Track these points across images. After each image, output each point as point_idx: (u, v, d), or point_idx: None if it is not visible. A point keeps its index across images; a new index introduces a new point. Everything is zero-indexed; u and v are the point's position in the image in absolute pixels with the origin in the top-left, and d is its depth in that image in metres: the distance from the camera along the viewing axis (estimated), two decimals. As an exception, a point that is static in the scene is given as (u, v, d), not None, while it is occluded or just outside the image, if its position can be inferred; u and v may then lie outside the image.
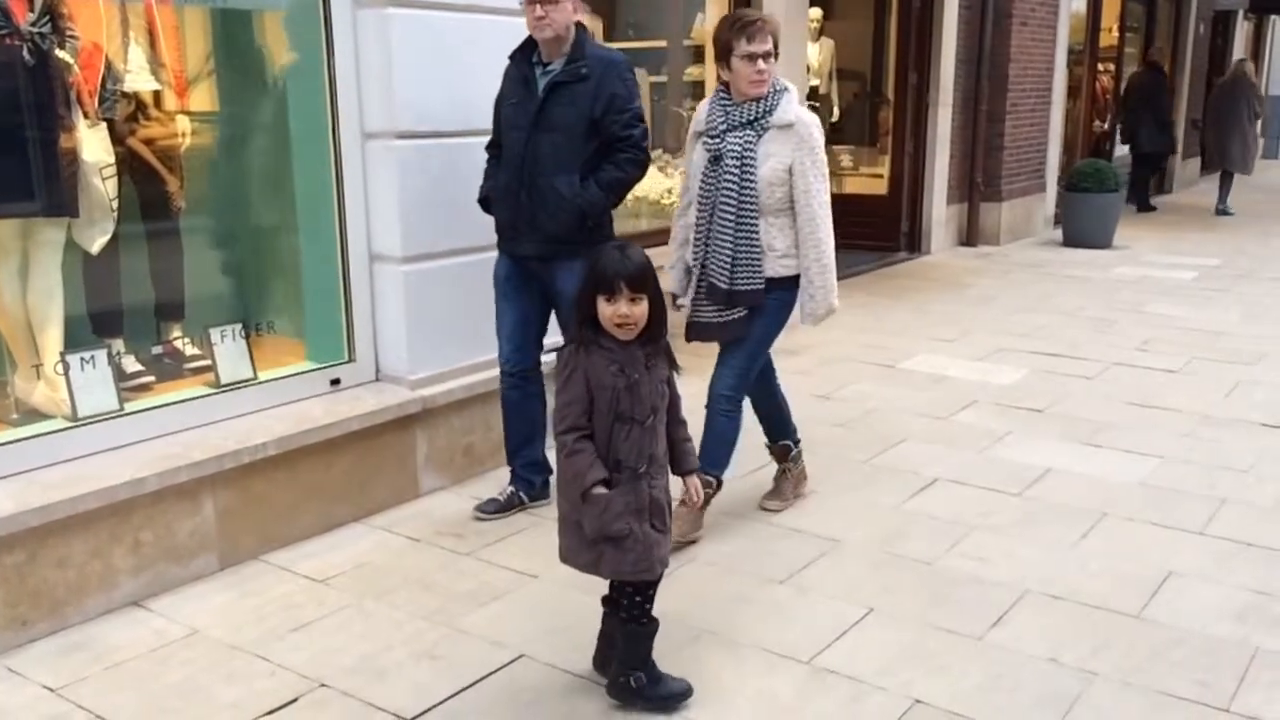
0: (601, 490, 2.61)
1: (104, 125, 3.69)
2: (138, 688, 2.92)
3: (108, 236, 3.72)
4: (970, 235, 10.45)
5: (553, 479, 3.45)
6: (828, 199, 3.71)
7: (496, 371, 4.08)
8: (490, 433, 4.26)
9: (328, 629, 3.23)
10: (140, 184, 4.00)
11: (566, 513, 2.73)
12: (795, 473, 4.16)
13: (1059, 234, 10.85)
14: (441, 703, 2.84)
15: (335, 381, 4.12)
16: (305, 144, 4.10)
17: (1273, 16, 20.65)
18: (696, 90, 7.35)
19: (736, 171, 3.63)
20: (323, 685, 2.93)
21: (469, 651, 3.09)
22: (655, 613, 2.77)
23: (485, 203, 3.94)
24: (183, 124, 4.11)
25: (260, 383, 3.93)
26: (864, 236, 9.72)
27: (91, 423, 3.47)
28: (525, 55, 3.81)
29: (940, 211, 9.98)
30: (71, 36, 3.54)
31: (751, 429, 4.08)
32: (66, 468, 3.33)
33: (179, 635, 3.20)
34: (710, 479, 3.70)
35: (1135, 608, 3.35)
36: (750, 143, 3.64)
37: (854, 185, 10.74)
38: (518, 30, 3.83)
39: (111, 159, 3.70)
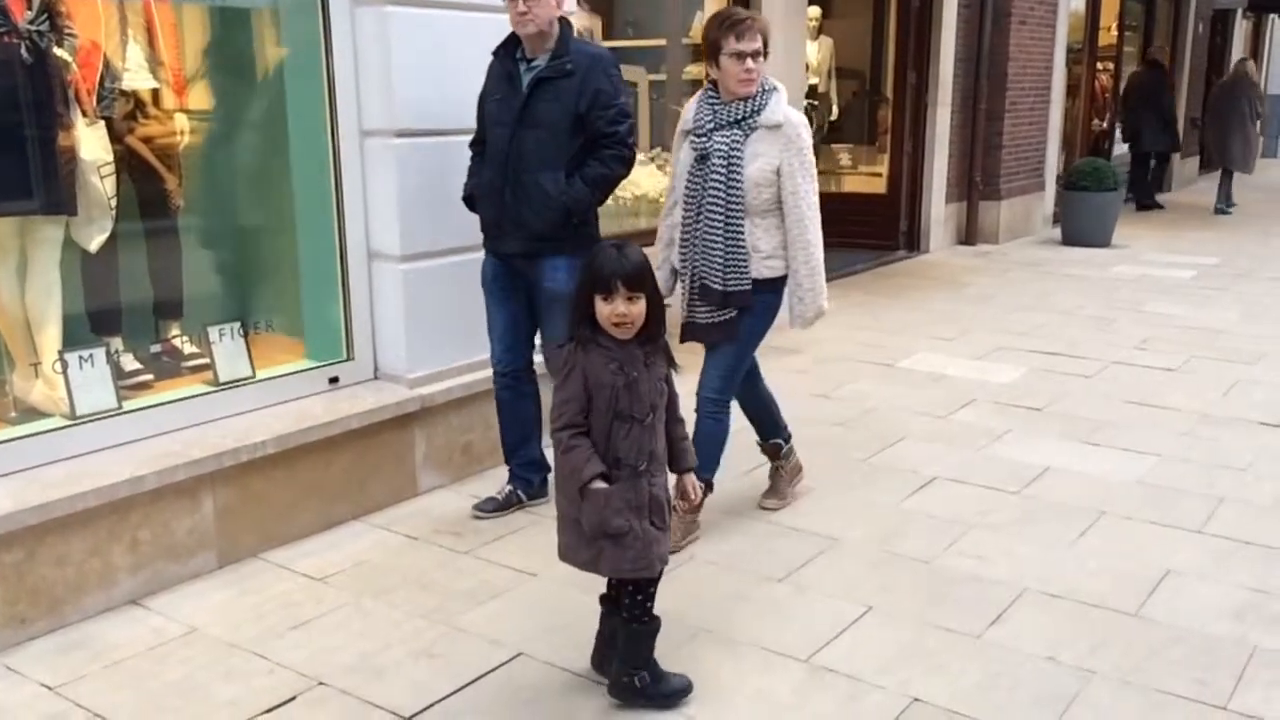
0: (601, 485, 2.61)
1: (102, 123, 3.69)
2: (136, 686, 2.92)
3: (106, 235, 3.71)
4: (969, 234, 10.46)
5: (551, 477, 3.46)
6: (816, 200, 3.69)
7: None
8: (489, 431, 4.26)
9: (326, 627, 3.23)
10: (138, 182, 4.00)
11: (565, 510, 2.73)
12: (789, 468, 4.15)
13: (1058, 233, 10.85)
14: (440, 701, 2.84)
15: (334, 380, 4.12)
16: (303, 142, 4.10)
17: (1272, 15, 20.64)
18: (695, 89, 7.33)
19: (723, 171, 3.59)
20: (321, 683, 2.93)
21: (467, 650, 3.09)
22: (655, 611, 2.78)
23: (470, 201, 3.91)
24: (181, 122, 4.11)
25: (259, 381, 3.93)
26: (863, 235, 9.73)
27: (90, 421, 3.47)
28: (509, 51, 3.77)
29: (939, 210, 9.98)
30: (70, 34, 3.53)
31: (745, 427, 4.09)
32: (65, 466, 3.33)
33: (177, 633, 3.20)
34: (701, 482, 3.68)
35: (1133, 606, 3.35)
36: (737, 142, 3.60)
37: (853, 184, 10.75)
38: (516, 28, 3.82)
39: (110, 157, 3.70)
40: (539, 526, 3.85)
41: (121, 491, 3.29)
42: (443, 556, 3.71)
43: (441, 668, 3.00)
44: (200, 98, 4.25)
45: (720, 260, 3.62)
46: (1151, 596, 3.41)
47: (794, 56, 7.50)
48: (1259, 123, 13.03)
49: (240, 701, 2.84)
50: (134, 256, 4.05)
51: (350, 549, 3.77)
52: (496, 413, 4.07)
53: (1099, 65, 13.66)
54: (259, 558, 3.68)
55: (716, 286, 3.63)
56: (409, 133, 4.02)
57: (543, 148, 3.67)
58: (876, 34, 10.51)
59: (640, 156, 6.88)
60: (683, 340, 3.76)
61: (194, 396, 3.76)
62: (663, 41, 7.70)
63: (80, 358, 3.49)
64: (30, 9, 3.39)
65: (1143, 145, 13.11)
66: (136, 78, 3.89)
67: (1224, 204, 13.01)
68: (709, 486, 3.78)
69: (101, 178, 3.64)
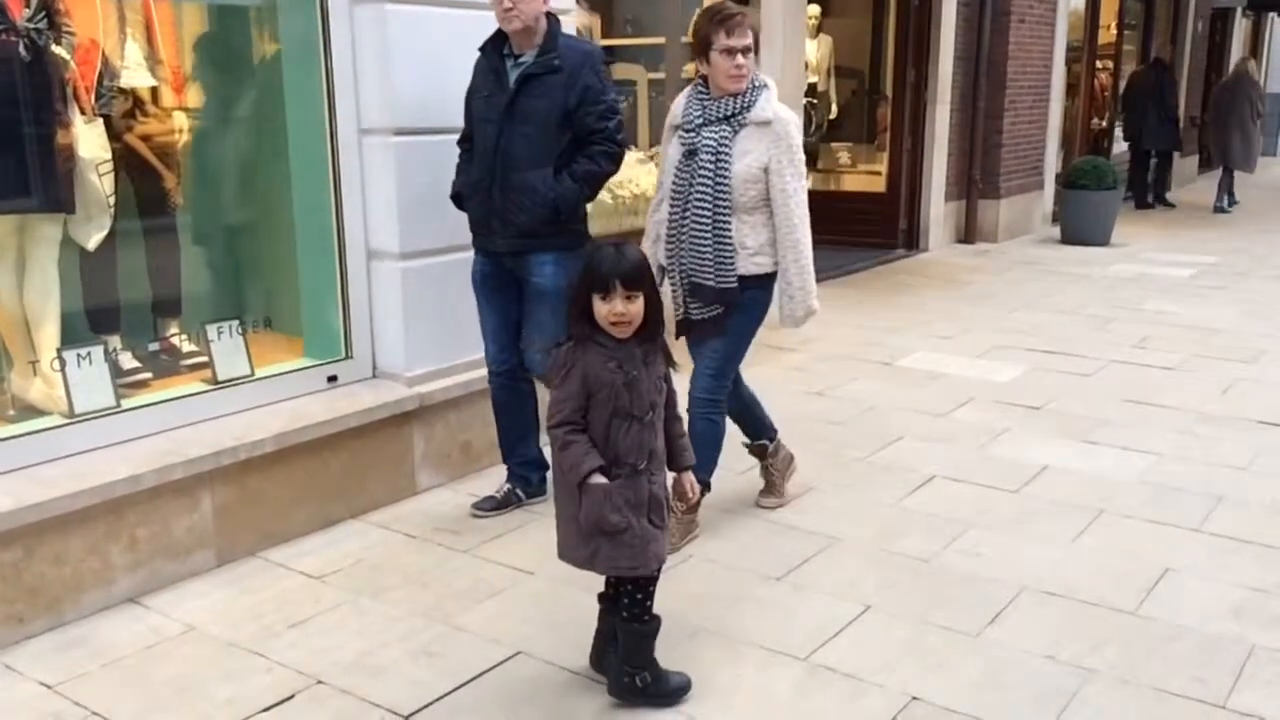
0: (600, 480, 2.61)
1: (101, 122, 3.68)
2: (134, 684, 2.92)
3: (104, 233, 3.71)
4: (968, 232, 10.46)
5: (549, 475, 3.45)
6: (805, 199, 3.65)
7: (491, 370, 4.08)
8: (487, 430, 4.26)
9: (325, 626, 3.23)
10: (137, 180, 4.00)
11: (563, 507, 2.73)
12: (779, 464, 4.10)
13: (1057, 231, 10.86)
14: (438, 699, 2.84)
15: (332, 378, 4.11)
16: (302, 140, 4.09)
17: (1271, 14, 20.64)
18: (695, 87, 7.34)
19: (711, 167, 3.56)
20: (319, 682, 2.93)
21: (466, 648, 3.09)
22: (655, 611, 2.77)
23: (458, 199, 3.87)
24: (179, 121, 4.11)
25: (257, 379, 3.92)
26: (862, 234, 9.73)
27: (88, 419, 3.47)
28: (496, 47, 3.74)
29: (938, 209, 9.98)
30: (68, 32, 3.53)
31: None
32: (63, 464, 3.32)
33: (176, 632, 3.20)
34: (699, 482, 3.67)
35: (1132, 604, 3.35)
36: (726, 138, 3.57)
37: (852, 182, 10.75)
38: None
39: (108, 155, 3.69)
40: (537, 525, 3.85)
41: (120, 490, 3.29)
42: (441, 555, 3.71)
43: (440, 666, 3.00)
44: (198, 96, 4.25)
45: (710, 257, 3.58)
46: (1150, 595, 3.41)
47: (793, 54, 7.50)
48: (1260, 122, 13.03)
49: (238, 700, 2.84)
50: (132, 255, 4.05)
51: (349, 548, 3.77)
52: (493, 412, 4.06)
53: (1098, 64, 13.66)
54: (257, 556, 3.68)
55: (706, 283, 3.61)
56: (407, 131, 4.02)
57: (530, 145, 3.64)
58: (876, 32, 10.52)
59: (640, 155, 6.91)
60: (677, 336, 3.76)
61: (192, 395, 3.76)
62: (662, 40, 7.71)
63: (78, 356, 3.49)
64: (28, 7, 3.38)
65: (1145, 144, 13.10)
66: (135, 76, 3.88)
67: (1224, 202, 13.02)
68: (706, 486, 3.78)
69: (100, 176, 3.64)
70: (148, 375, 3.86)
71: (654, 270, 3.78)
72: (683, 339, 3.77)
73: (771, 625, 3.22)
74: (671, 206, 3.68)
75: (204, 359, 3.90)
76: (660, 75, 7.57)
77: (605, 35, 7.64)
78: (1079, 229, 10.47)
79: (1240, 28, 18.76)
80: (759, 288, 3.68)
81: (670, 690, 2.80)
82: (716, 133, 3.58)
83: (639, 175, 6.73)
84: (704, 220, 3.58)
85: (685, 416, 3.15)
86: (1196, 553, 3.71)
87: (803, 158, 3.66)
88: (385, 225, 4.08)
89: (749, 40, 3.54)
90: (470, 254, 3.99)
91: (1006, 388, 5.68)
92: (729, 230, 3.58)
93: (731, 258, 3.59)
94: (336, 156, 4.02)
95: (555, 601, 3.33)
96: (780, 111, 3.60)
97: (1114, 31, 14.05)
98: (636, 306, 2.62)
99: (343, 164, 4.03)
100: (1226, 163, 13.03)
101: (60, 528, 3.18)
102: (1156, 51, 13.56)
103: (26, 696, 2.87)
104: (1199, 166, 16.62)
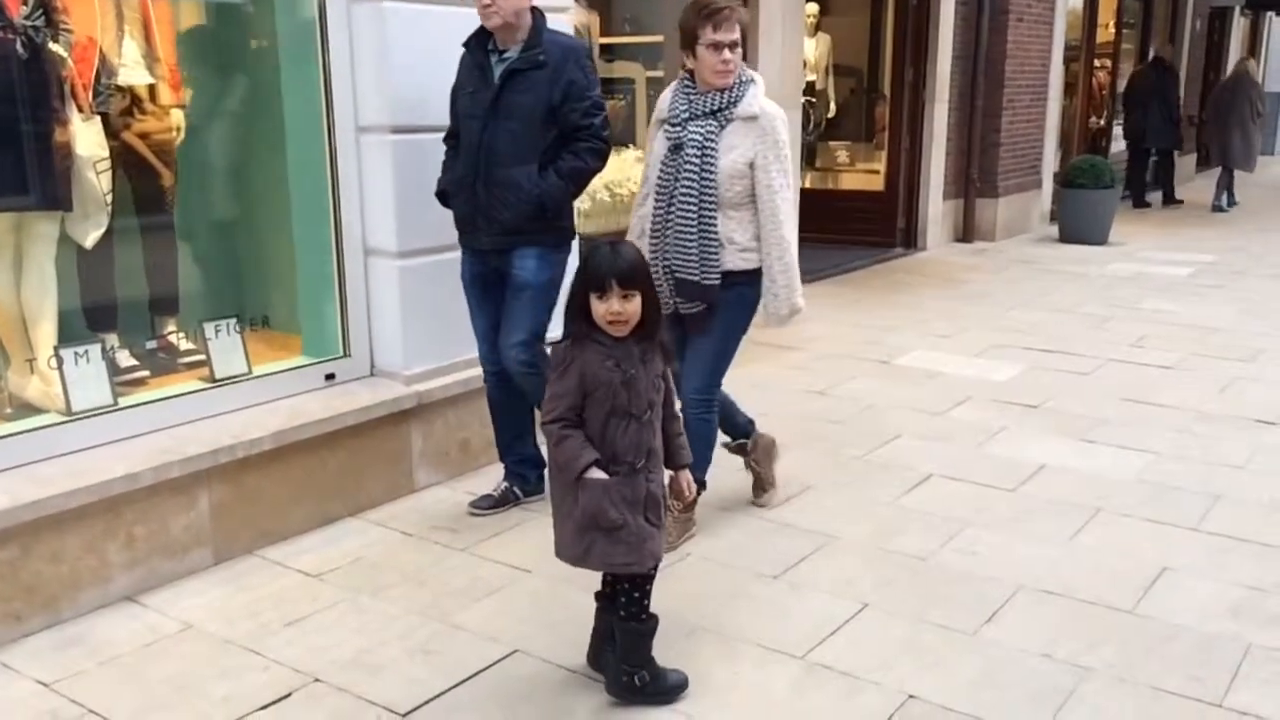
0: (599, 474, 2.61)
1: (98, 119, 3.68)
2: (131, 682, 2.92)
3: (102, 231, 3.71)
4: (966, 231, 10.46)
5: (547, 473, 3.45)
6: (791, 195, 3.61)
7: (490, 367, 4.08)
8: (485, 428, 4.26)
9: (322, 624, 3.23)
10: (134, 178, 4.00)
11: (560, 505, 2.73)
12: (760, 453, 4.05)
13: (1055, 230, 10.86)
14: (435, 698, 2.84)
15: (330, 376, 4.11)
16: (300, 138, 4.09)
17: (1269, 13, 20.64)
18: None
19: (697, 162, 3.53)
20: (317, 680, 2.93)
21: (463, 647, 3.09)
22: (652, 609, 2.78)
23: (443, 196, 3.84)
24: (177, 118, 4.10)
25: (255, 378, 3.92)
26: (860, 232, 9.73)
27: (85, 417, 3.47)
28: (481, 42, 3.71)
29: (936, 207, 9.98)
30: (65, 30, 3.53)
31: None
32: (60, 462, 3.32)
33: (173, 630, 3.20)
34: (695, 481, 3.66)
35: (1129, 603, 3.35)
36: (712, 133, 3.54)
37: (850, 181, 10.75)
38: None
39: (106, 153, 3.69)
40: (535, 523, 3.85)
41: (117, 488, 3.29)
42: (439, 553, 3.71)
43: (437, 664, 3.00)
44: (196, 94, 4.24)
45: (695, 252, 3.55)
46: (1147, 594, 3.41)
47: (792, 53, 7.50)
48: (1260, 121, 13.04)
49: (235, 698, 2.84)
50: (130, 252, 4.05)
51: (346, 546, 3.77)
52: (489, 410, 4.06)
53: (1096, 62, 13.66)
54: (255, 554, 3.68)
55: (690, 279, 3.57)
56: (405, 129, 4.01)
57: (515, 141, 3.61)
58: (874, 31, 10.52)
59: (638, 153, 6.91)
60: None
61: (190, 393, 3.76)
62: (660, 38, 7.70)
63: (76, 354, 3.49)
64: (25, 4, 3.38)
65: (1147, 143, 13.10)
66: (133, 73, 3.88)
67: (1222, 201, 13.03)
68: (702, 485, 3.78)
69: (97, 173, 3.64)
70: (145, 373, 3.86)
71: None
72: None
73: (768, 623, 3.22)
74: (656, 201, 3.64)
75: (201, 357, 3.90)
76: (659, 73, 7.56)
77: (604, 33, 7.64)
78: (1077, 228, 10.47)
79: (1238, 26, 18.76)
80: (747, 284, 3.64)
81: (668, 688, 2.80)
82: (702, 127, 3.55)
83: (637, 173, 6.71)
84: (689, 215, 3.55)
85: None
86: (1194, 551, 3.72)
87: (789, 154, 3.62)
88: (383, 223, 4.08)
89: (736, 35, 3.50)
90: (466, 252, 3.99)
91: (1004, 386, 5.68)
92: (714, 226, 3.55)
93: (716, 254, 3.56)
94: (334, 154, 4.02)
95: (553, 600, 3.33)
96: (767, 107, 3.57)
97: (1112, 30, 14.06)
98: (633, 305, 2.62)
99: (340, 162, 4.03)
100: (1226, 162, 13.04)
101: (57, 526, 3.18)
102: (1157, 50, 13.55)
103: (23, 695, 2.87)
104: (1197, 165, 16.62)
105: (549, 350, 2.77)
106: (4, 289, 3.56)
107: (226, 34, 4.32)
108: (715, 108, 3.56)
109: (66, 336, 3.62)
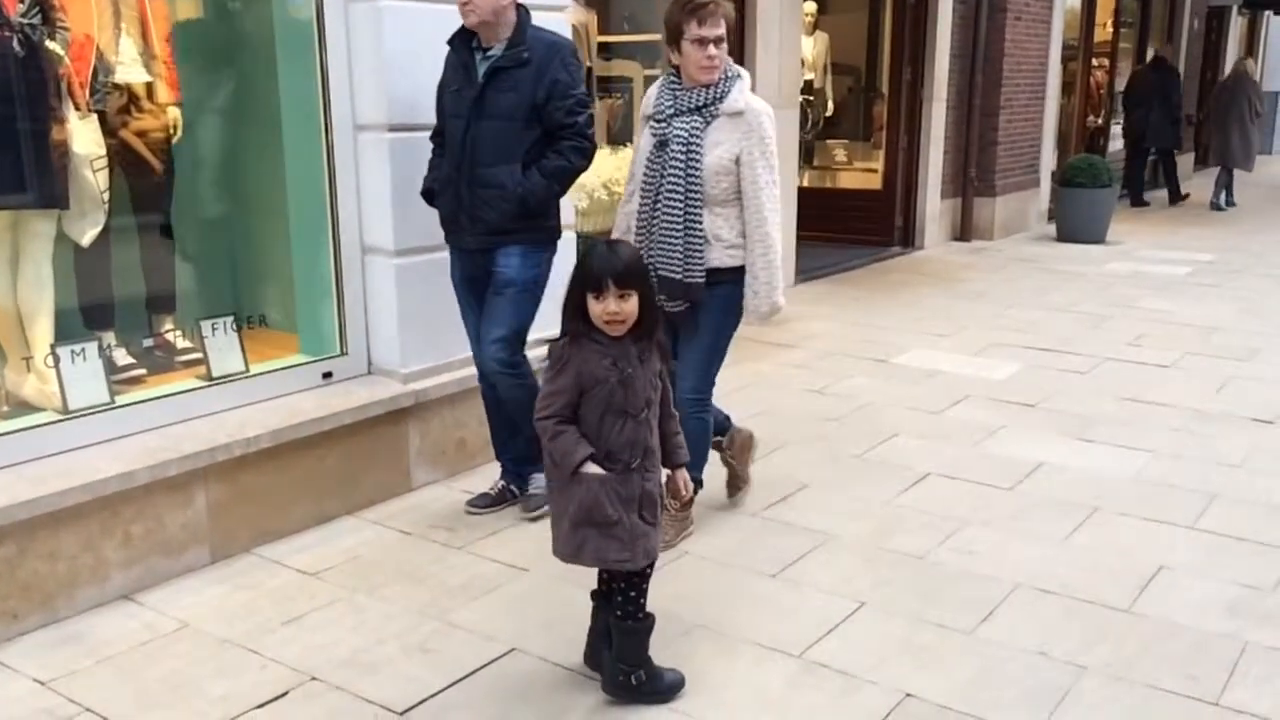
0: (594, 469, 2.61)
1: (95, 117, 3.68)
2: (128, 681, 2.92)
3: (98, 228, 3.71)
4: (964, 230, 10.46)
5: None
6: (777, 192, 3.58)
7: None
8: (482, 427, 4.26)
9: (319, 622, 3.23)
10: (131, 176, 3.99)
11: (555, 503, 2.73)
12: (736, 451, 4.02)
13: (1053, 229, 10.87)
14: (433, 696, 2.84)
15: (327, 375, 4.11)
16: (297, 136, 4.09)
17: (1267, 12, 20.66)
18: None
19: (682, 158, 3.50)
20: (314, 678, 2.93)
21: (460, 645, 3.09)
22: (648, 608, 2.77)
23: (429, 195, 3.82)
24: (174, 116, 4.10)
25: (252, 376, 3.92)
26: (858, 231, 9.73)
27: (82, 415, 3.46)
28: (465, 41, 3.67)
29: (934, 206, 9.99)
30: (62, 28, 3.53)
31: (738, 420, 4.08)
32: (57, 460, 3.32)
33: (170, 629, 3.20)
34: (692, 480, 3.66)
35: (1126, 602, 3.35)
36: (697, 129, 3.51)
37: (848, 180, 10.75)
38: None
39: (102, 151, 3.69)
40: (532, 522, 3.85)
41: (113, 486, 3.28)
42: (436, 552, 3.71)
43: (435, 663, 3.00)
44: (193, 92, 4.24)
45: (679, 250, 3.52)
46: (1144, 592, 3.42)
47: (790, 51, 7.50)
48: (1258, 121, 13.06)
49: (232, 697, 2.84)
50: (126, 250, 4.05)
51: (343, 544, 3.77)
52: (485, 410, 4.06)
53: (1094, 62, 13.67)
54: (252, 553, 3.68)
55: (673, 277, 3.54)
56: (402, 127, 4.01)
57: (499, 139, 3.59)
58: (872, 29, 10.52)
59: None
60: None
61: (187, 391, 3.76)
62: (658, 36, 7.69)
63: (72, 352, 3.48)
64: (22, 2, 3.38)
65: (1148, 142, 13.11)
66: (130, 71, 3.88)
67: (1221, 200, 13.04)
68: (699, 484, 3.78)
69: (94, 171, 3.64)
70: (142, 371, 3.85)
71: None
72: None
73: (766, 622, 3.22)
74: (642, 198, 3.62)
75: (198, 355, 3.90)
76: (656, 72, 7.56)
77: (602, 32, 7.63)
78: (1074, 227, 10.47)
79: (1236, 26, 18.77)
80: (735, 281, 3.61)
81: (664, 687, 2.80)
82: (688, 124, 3.53)
83: (634, 172, 6.72)
84: (675, 213, 3.52)
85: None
86: (1190, 550, 3.72)
87: (775, 150, 3.59)
88: (380, 221, 4.08)
89: (721, 30, 3.48)
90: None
91: (1001, 385, 5.68)
92: (700, 223, 3.53)
93: (701, 252, 3.54)
94: (331, 153, 4.02)
95: (550, 598, 3.33)
96: (753, 102, 3.55)
97: (1110, 29, 14.06)
98: (630, 305, 2.61)
99: (337, 160, 4.03)
100: (1225, 161, 13.06)
101: (54, 524, 3.17)
102: (1158, 50, 13.56)
103: (20, 693, 2.87)
104: (1194, 164, 16.63)
105: (546, 349, 2.76)
106: (1, 287, 3.56)
107: (223, 32, 4.32)
108: (701, 103, 3.54)
109: (63, 334, 3.62)
